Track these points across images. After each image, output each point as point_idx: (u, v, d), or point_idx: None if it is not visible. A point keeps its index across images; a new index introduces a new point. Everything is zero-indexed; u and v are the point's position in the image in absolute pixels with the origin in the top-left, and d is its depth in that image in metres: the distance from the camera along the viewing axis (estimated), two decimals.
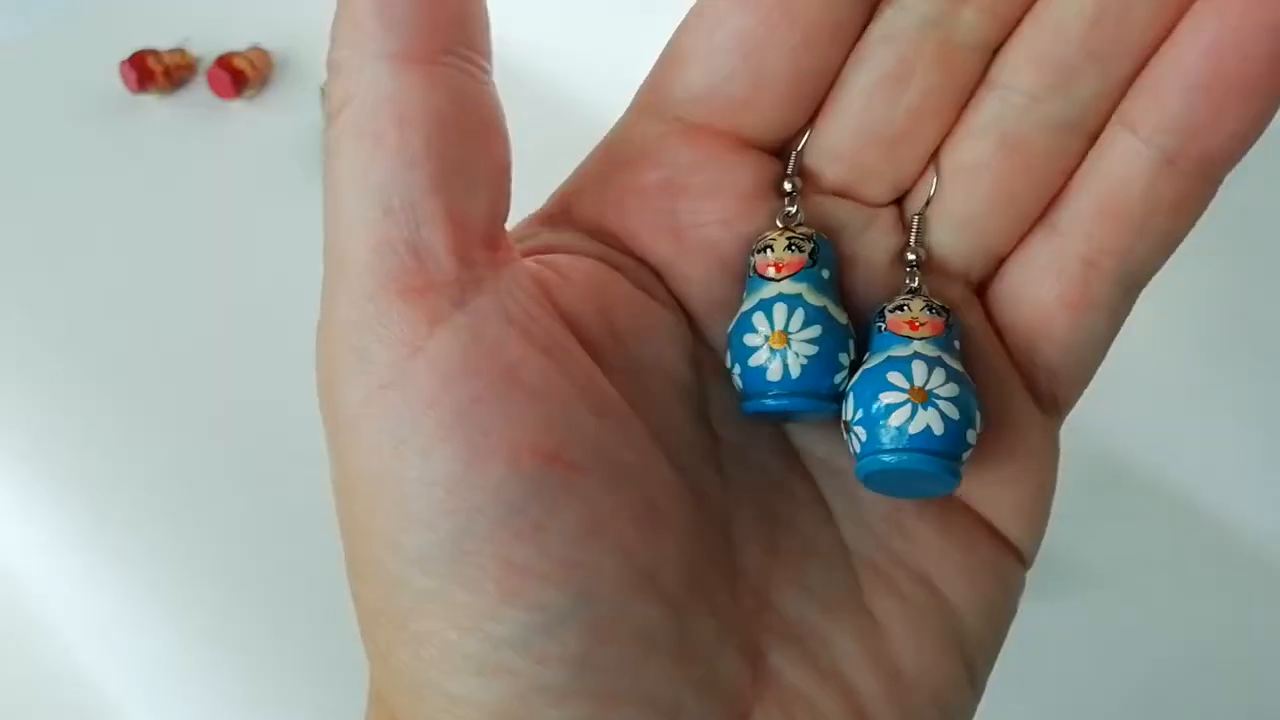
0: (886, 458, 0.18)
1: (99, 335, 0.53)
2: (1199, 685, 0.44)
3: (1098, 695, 0.44)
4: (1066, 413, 0.22)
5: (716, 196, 0.20)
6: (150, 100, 0.61)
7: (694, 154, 0.20)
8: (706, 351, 0.20)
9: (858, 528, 0.20)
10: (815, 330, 0.19)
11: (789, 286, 0.19)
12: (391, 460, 0.17)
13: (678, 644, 0.18)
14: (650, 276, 0.20)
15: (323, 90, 0.19)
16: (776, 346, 0.19)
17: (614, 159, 0.21)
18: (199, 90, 0.61)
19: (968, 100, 0.20)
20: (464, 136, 0.18)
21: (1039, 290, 0.20)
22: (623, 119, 0.21)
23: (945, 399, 0.18)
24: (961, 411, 0.18)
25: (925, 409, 0.18)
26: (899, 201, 0.21)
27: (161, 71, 0.61)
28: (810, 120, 0.21)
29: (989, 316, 0.21)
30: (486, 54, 0.18)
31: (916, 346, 0.19)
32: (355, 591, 0.18)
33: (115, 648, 0.44)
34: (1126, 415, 0.49)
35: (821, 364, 0.19)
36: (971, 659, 0.20)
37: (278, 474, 0.45)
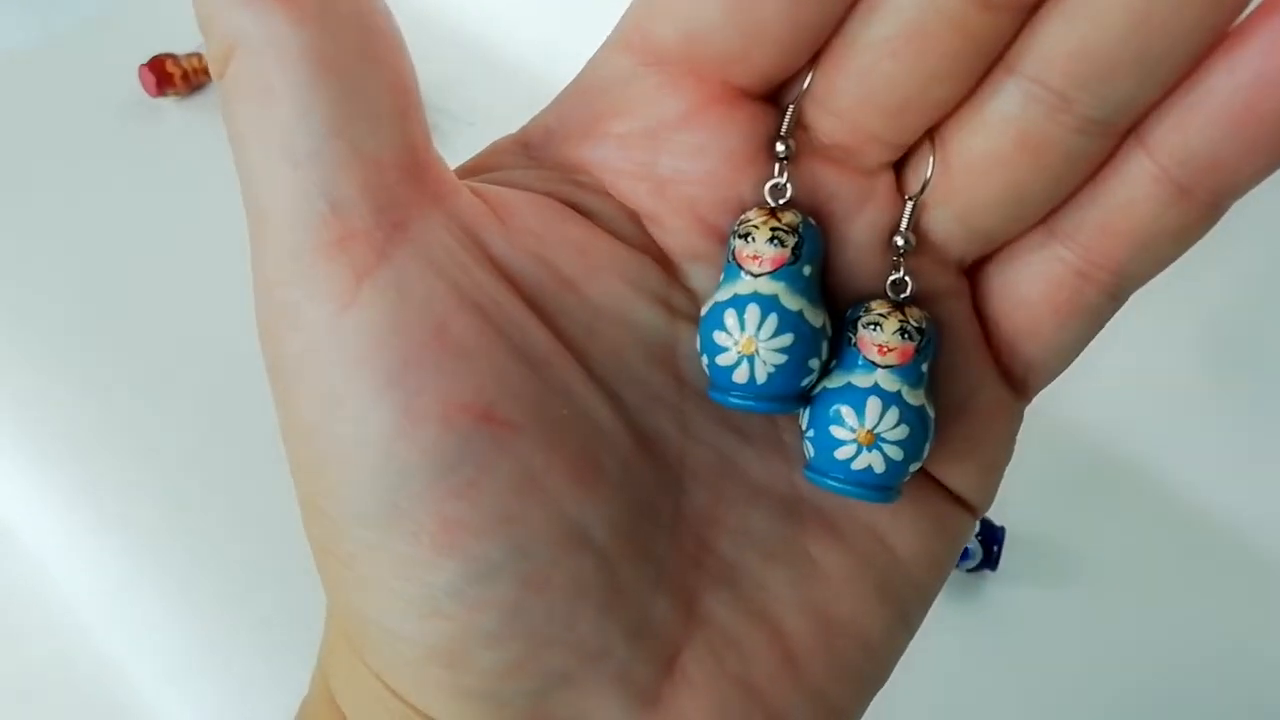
0: (830, 482, 0.19)
1: (121, 335, 0.53)
2: (1192, 675, 0.44)
3: (1092, 684, 0.44)
4: (1035, 394, 0.21)
5: (701, 156, 0.19)
6: (169, 104, 0.62)
7: (679, 103, 0.19)
8: (682, 294, 0.20)
9: None
10: (786, 339, 0.19)
11: (766, 285, 0.18)
12: (326, 419, 0.17)
13: (608, 592, 0.18)
14: (626, 219, 0.19)
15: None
16: (745, 352, 0.18)
17: (594, 100, 0.20)
18: (217, 94, 0.61)
19: (986, 73, 0.18)
20: (353, 64, 0.17)
21: (1029, 291, 0.20)
22: (602, 52, 0.20)
23: (892, 442, 0.19)
24: (907, 453, 0.19)
25: (870, 451, 0.19)
26: (896, 171, 0.19)
27: (180, 75, 0.61)
28: (810, 66, 0.19)
29: (975, 302, 0.20)
30: None
31: (879, 378, 0.19)
32: (305, 527, 0.19)
33: (129, 623, 0.45)
34: (1123, 410, 0.50)
35: (789, 372, 0.19)
36: (908, 605, 0.21)
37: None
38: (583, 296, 0.19)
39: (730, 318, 0.19)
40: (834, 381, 0.19)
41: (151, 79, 0.61)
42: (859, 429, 0.19)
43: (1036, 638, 0.45)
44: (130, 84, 0.61)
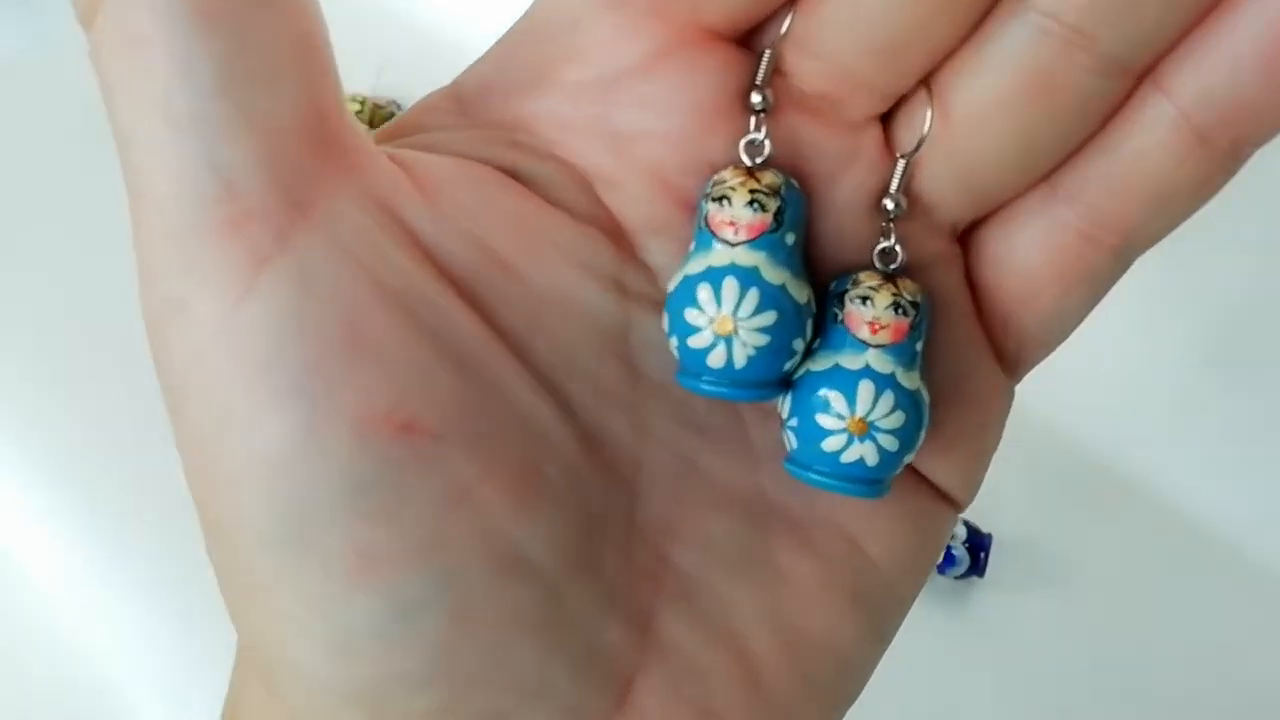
0: (815, 476, 0.17)
1: (119, 352, 0.52)
2: (1180, 681, 0.44)
3: (1080, 690, 0.44)
4: (1027, 372, 0.19)
5: (666, 109, 0.17)
6: None
7: (640, 47, 0.17)
8: (637, 271, 0.17)
9: (781, 478, 0.18)
10: (769, 317, 0.16)
11: (744, 256, 0.16)
12: (219, 433, 0.15)
13: (551, 622, 0.16)
14: (573, 186, 0.17)
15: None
16: (721, 332, 0.16)
17: (542, 45, 0.17)
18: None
19: (990, 8, 0.16)
20: (244, 9, 0.14)
21: (1028, 257, 0.18)
22: None
23: (886, 431, 0.17)
24: (902, 443, 0.17)
25: (862, 441, 0.17)
26: (885, 126, 0.17)
27: None
28: (789, 4, 0.17)
29: (967, 269, 0.18)
30: None
31: (870, 359, 0.17)
32: (207, 548, 0.16)
33: (128, 643, 0.45)
34: (1110, 416, 0.50)
35: (771, 355, 0.17)
36: (883, 616, 0.19)
37: None
38: (522, 281, 0.16)
39: (704, 293, 0.16)
40: (819, 364, 0.17)
41: None
42: (849, 417, 0.17)
43: (1024, 644, 0.45)
44: None
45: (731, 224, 0.17)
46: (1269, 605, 0.46)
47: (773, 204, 0.17)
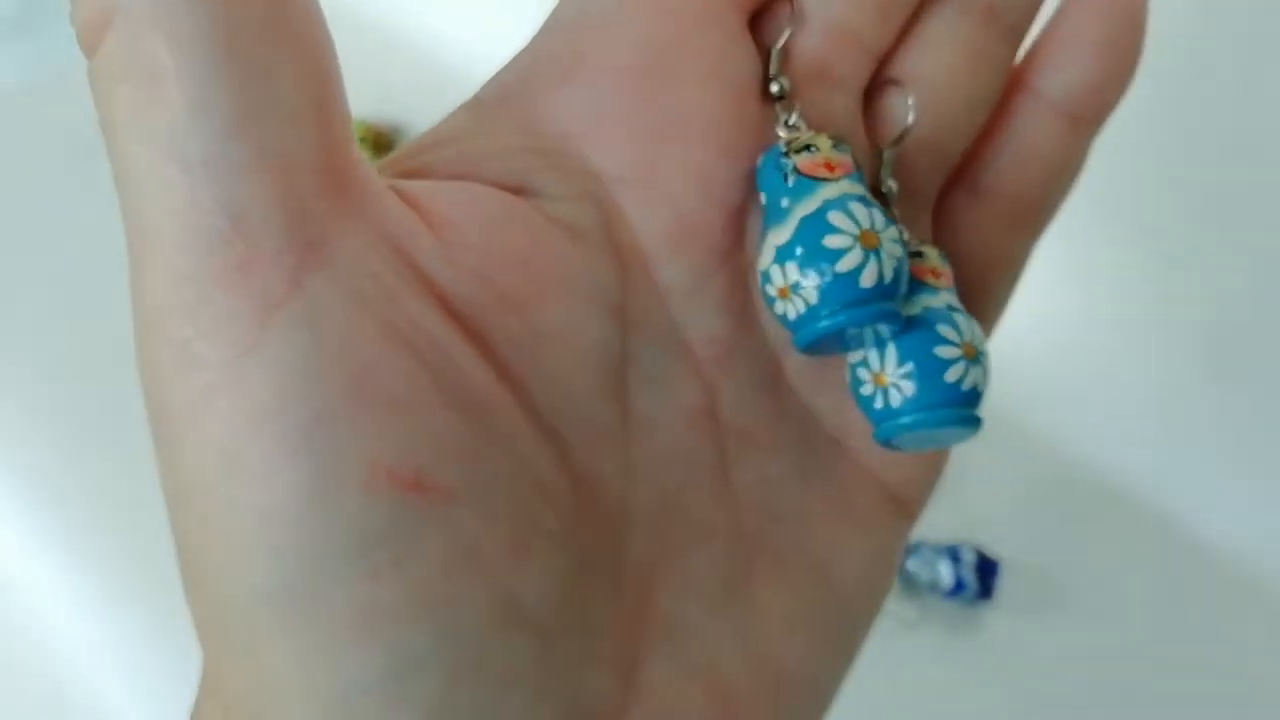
0: (944, 412, 0.17)
1: (115, 380, 0.53)
2: (1190, 703, 0.44)
3: (1091, 713, 0.44)
4: None
5: (706, 91, 0.17)
6: None
7: (678, 29, 0.17)
8: (642, 295, 0.17)
9: (760, 510, 0.18)
10: (894, 231, 0.17)
11: (850, 187, 0.17)
12: (222, 483, 0.14)
13: (541, 674, 0.16)
14: (582, 198, 0.17)
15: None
16: (869, 246, 0.16)
17: (573, 33, 0.17)
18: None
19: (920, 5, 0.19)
20: (262, 45, 0.14)
21: (967, 246, 0.20)
22: None
23: (984, 353, 0.18)
24: (989, 366, 0.18)
25: (975, 365, 0.18)
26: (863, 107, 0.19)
27: None
28: (790, 12, 0.18)
29: None
30: None
31: (946, 298, 0.18)
32: (188, 600, 0.16)
33: (126, 670, 0.44)
34: (1116, 440, 0.50)
35: (903, 266, 0.17)
36: (850, 642, 0.19)
37: None
38: (526, 320, 0.16)
39: (838, 218, 0.17)
40: (909, 309, 0.18)
41: None
42: (961, 342, 0.17)
43: (1033, 669, 0.45)
44: None
45: (827, 164, 0.17)
46: (1278, 627, 0.46)
47: (846, 146, 0.18)
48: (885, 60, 0.19)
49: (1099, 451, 0.49)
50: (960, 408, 0.17)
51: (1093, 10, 0.20)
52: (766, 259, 0.17)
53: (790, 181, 0.17)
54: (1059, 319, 0.49)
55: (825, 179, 0.17)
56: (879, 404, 0.18)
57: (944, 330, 0.17)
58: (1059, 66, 0.20)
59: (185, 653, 0.44)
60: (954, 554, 0.45)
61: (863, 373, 0.18)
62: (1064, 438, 0.49)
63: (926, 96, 0.19)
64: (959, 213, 0.20)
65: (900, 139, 0.19)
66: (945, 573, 0.45)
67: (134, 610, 0.45)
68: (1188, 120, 0.49)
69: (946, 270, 0.18)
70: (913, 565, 0.46)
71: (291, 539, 0.14)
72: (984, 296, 0.20)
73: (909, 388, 0.17)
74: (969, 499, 0.46)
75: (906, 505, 0.20)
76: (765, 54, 0.18)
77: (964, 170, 0.20)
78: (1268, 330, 0.50)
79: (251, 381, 0.14)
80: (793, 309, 0.17)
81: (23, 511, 0.48)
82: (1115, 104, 0.20)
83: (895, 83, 0.19)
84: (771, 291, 0.17)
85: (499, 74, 0.18)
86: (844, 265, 0.16)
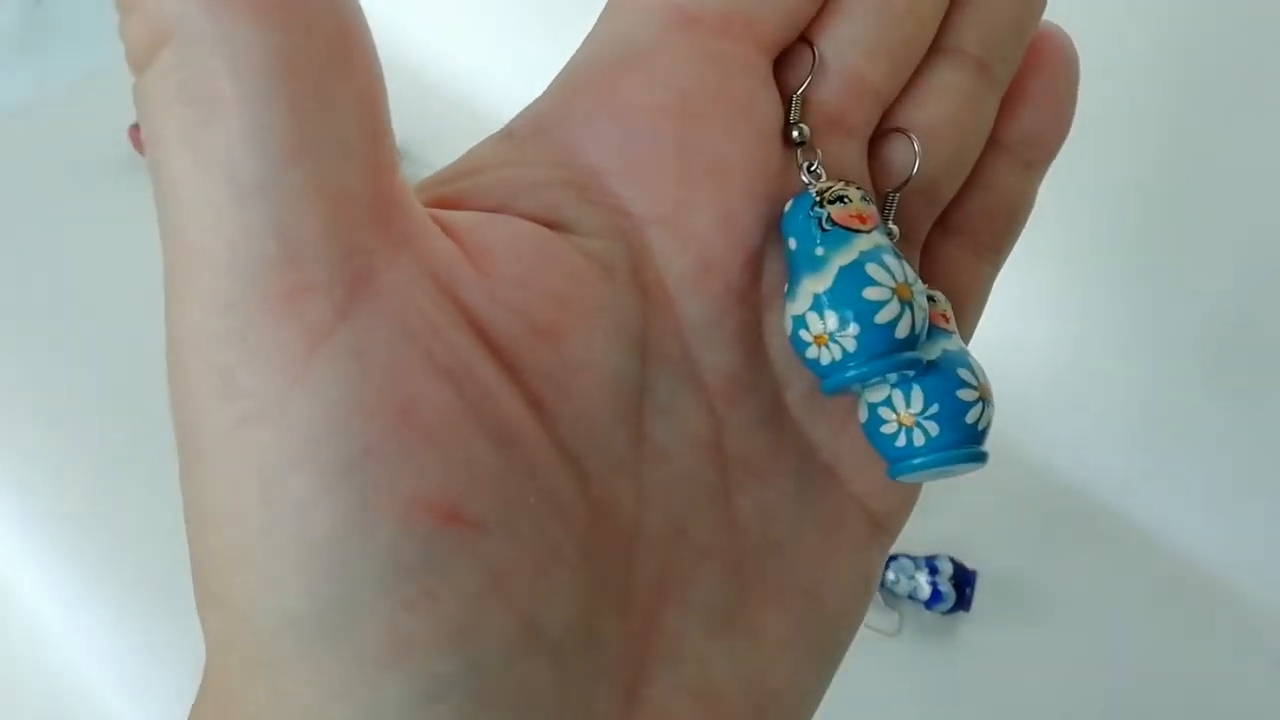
0: (966, 450, 0.18)
1: (114, 394, 0.52)
2: (1164, 713, 0.45)
3: (1053, 717, 0.45)
4: None
5: (735, 135, 0.17)
6: None
7: (713, 69, 0.17)
8: (664, 330, 0.18)
9: (758, 536, 0.19)
10: (921, 284, 0.18)
11: (879, 239, 0.18)
12: (258, 509, 0.14)
13: (556, 695, 0.16)
14: (613, 233, 0.17)
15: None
16: (904, 298, 0.17)
17: (607, 70, 0.18)
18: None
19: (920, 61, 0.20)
20: (322, 74, 0.14)
21: (939, 285, 0.20)
22: (617, 18, 0.18)
23: (991, 394, 0.19)
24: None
25: (988, 406, 0.18)
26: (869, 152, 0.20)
27: None
28: (811, 62, 0.19)
29: None
30: None
31: (958, 341, 0.19)
32: (202, 615, 0.15)
33: (127, 679, 0.44)
34: (1091, 452, 0.51)
35: (926, 318, 0.18)
36: (833, 662, 0.20)
37: None
38: (559, 351, 0.16)
39: (875, 270, 0.17)
40: (929, 353, 0.18)
41: (140, 139, 0.61)
42: (978, 385, 0.18)
43: (1010, 678, 0.46)
44: (120, 143, 0.62)
45: (859, 216, 0.18)
46: (1251, 638, 0.47)
47: (871, 198, 0.18)
48: (888, 109, 0.20)
49: (1074, 465, 0.50)
50: (976, 446, 0.18)
51: (1039, 69, 0.21)
52: (803, 305, 0.18)
53: (826, 230, 0.18)
54: (1034, 334, 0.50)
55: (859, 230, 0.18)
56: (901, 442, 0.18)
57: (964, 374, 0.18)
58: (1016, 117, 0.21)
59: (185, 657, 0.44)
60: (932, 565, 0.46)
61: (885, 413, 0.18)
62: (1040, 451, 0.50)
63: (924, 144, 0.19)
64: (932, 248, 0.21)
65: (904, 184, 0.19)
66: (923, 583, 0.46)
67: (134, 613, 0.45)
68: (1170, 133, 0.49)
69: (952, 314, 0.19)
70: (892, 576, 0.46)
71: (326, 568, 0.14)
72: (959, 326, 0.21)
73: (933, 428, 0.18)
74: (947, 511, 0.46)
75: (888, 527, 0.20)
76: (786, 100, 0.18)
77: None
78: (1245, 345, 0.50)
79: (296, 412, 0.14)
80: (827, 355, 0.18)
81: (23, 515, 0.49)
82: (1059, 148, 0.22)
83: (902, 131, 0.20)
84: (806, 337, 0.18)
85: (532, 106, 0.18)
86: (882, 317, 0.17)
